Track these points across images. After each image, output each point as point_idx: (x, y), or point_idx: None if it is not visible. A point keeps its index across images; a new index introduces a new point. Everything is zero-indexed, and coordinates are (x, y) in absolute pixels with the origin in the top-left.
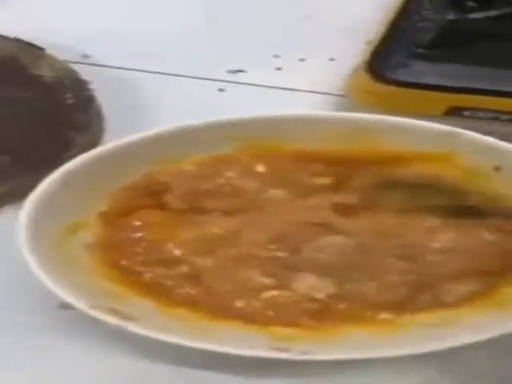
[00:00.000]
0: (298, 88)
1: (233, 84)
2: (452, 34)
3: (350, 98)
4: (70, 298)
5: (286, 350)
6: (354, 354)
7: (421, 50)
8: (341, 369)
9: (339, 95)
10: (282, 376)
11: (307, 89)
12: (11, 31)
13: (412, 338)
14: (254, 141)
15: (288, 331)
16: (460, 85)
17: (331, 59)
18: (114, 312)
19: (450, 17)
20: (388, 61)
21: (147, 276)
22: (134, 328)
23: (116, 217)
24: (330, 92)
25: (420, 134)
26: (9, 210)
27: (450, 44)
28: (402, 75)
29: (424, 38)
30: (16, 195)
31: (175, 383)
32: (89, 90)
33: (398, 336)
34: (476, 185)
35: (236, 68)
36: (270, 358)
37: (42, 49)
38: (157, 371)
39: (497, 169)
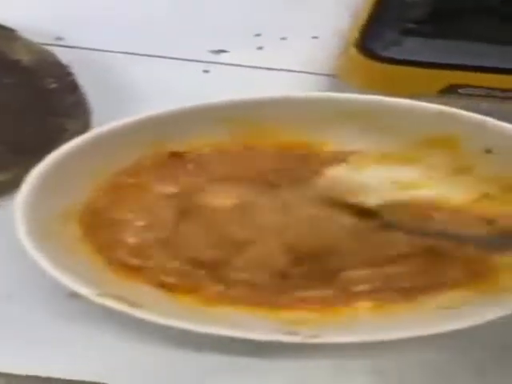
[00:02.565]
0: (282, 68)
1: (217, 65)
2: (443, 8)
3: (340, 77)
4: (77, 287)
5: (296, 334)
6: (365, 336)
7: (412, 26)
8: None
9: (324, 74)
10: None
11: (291, 68)
12: None
13: (418, 320)
14: (247, 123)
15: (295, 314)
16: (458, 62)
17: (314, 37)
18: (121, 299)
19: None
20: (379, 37)
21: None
22: (142, 315)
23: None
24: (315, 71)
25: (416, 115)
26: (8, 200)
27: (442, 19)
28: (395, 52)
29: (415, 12)
30: (14, 185)
31: (182, 367)
32: (70, 73)
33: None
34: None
35: (218, 48)
36: (282, 341)
37: (13, 30)
38: (163, 356)
39: (488, 151)
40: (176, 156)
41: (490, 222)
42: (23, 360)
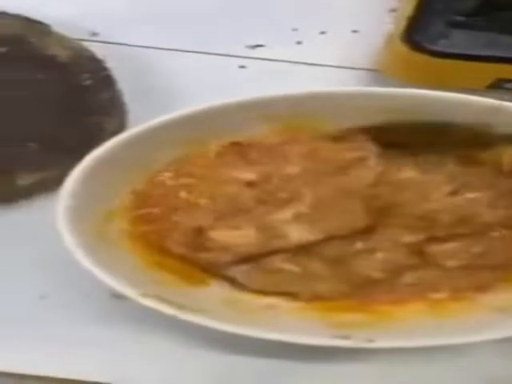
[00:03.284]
0: (321, 63)
1: (254, 60)
2: (492, 0)
3: (383, 71)
4: (120, 288)
5: (348, 338)
6: (418, 341)
7: (460, 18)
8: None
9: (364, 69)
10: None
11: (331, 63)
12: (9, 8)
13: (473, 325)
14: (287, 120)
15: (348, 317)
16: (507, 55)
17: (354, 31)
18: (164, 300)
19: None
20: (426, 30)
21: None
22: (185, 316)
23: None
24: (355, 66)
25: (467, 108)
26: (44, 200)
27: (491, 11)
28: (443, 45)
29: (463, 5)
30: (53, 184)
31: (228, 371)
32: (106, 68)
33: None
34: None
35: (255, 43)
36: (335, 346)
37: (48, 25)
38: (207, 359)
39: None
40: (238, 145)
41: None
42: (61, 362)
